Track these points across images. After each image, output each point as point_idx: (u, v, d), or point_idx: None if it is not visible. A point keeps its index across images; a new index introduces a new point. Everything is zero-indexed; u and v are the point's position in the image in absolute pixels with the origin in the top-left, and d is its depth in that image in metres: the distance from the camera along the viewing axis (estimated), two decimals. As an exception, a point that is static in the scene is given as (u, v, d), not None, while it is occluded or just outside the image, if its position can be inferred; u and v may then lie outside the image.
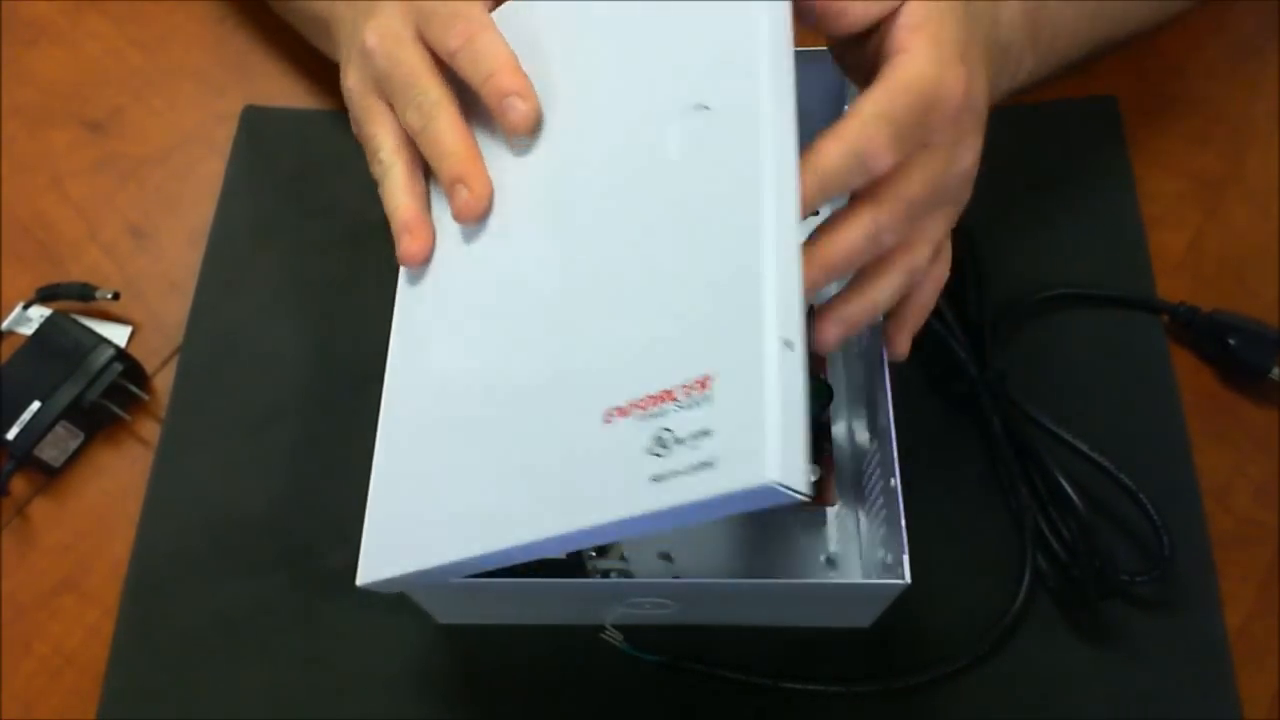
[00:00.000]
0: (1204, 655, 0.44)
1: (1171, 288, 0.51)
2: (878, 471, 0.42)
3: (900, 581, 0.37)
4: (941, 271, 0.39)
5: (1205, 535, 0.46)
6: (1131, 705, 0.43)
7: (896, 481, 0.38)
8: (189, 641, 0.46)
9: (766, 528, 0.46)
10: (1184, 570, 0.45)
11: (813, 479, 0.39)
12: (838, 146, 0.34)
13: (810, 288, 0.34)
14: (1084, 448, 0.44)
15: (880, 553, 0.42)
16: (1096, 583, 0.43)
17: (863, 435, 0.46)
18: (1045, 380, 0.48)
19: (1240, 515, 0.47)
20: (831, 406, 0.46)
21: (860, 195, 0.35)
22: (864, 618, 0.44)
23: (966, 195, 0.38)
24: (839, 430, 0.47)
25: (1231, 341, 0.49)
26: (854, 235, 0.35)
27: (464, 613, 0.45)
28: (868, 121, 0.35)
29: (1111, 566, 0.42)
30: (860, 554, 0.45)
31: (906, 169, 0.35)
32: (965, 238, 0.43)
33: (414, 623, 0.44)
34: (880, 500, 0.42)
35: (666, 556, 0.45)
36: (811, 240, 0.35)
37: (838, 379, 0.48)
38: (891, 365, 0.40)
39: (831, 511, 0.46)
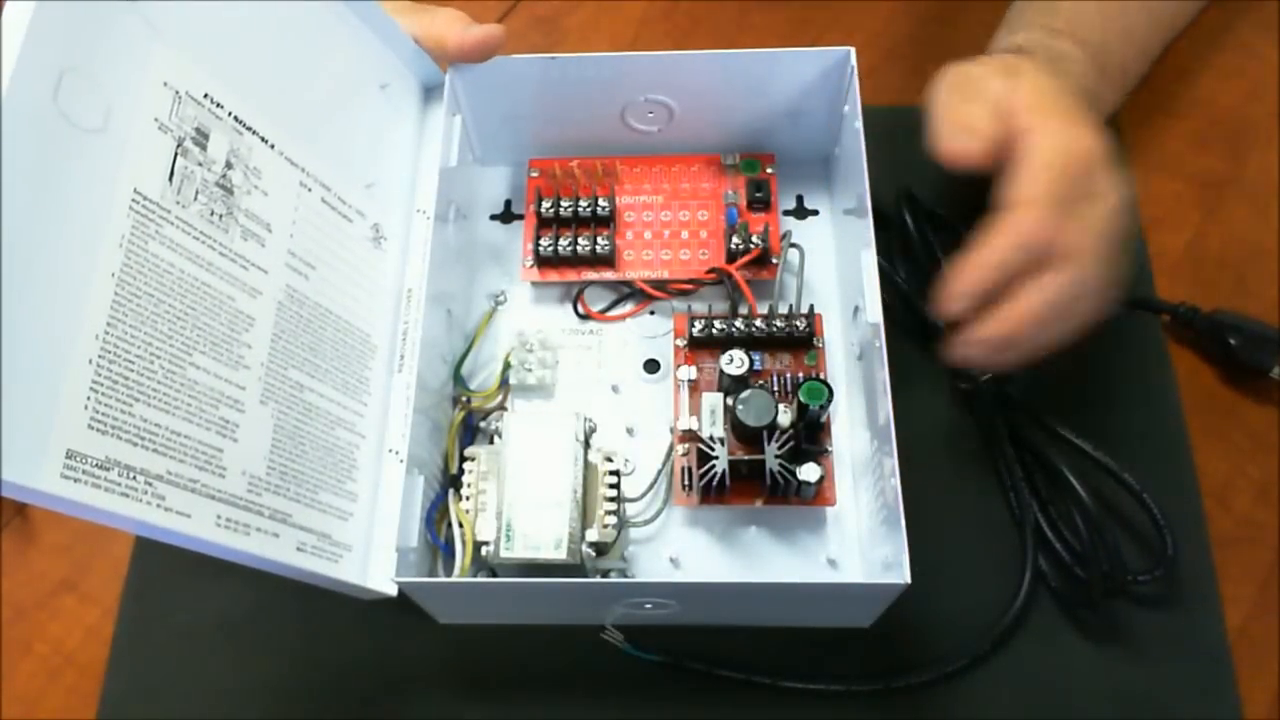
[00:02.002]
0: (1204, 655, 0.44)
1: (1171, 288, 0.51)
2: (878, 471, 0.42)
3: (900, 581, 0.37)
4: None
5: (1205, 535, 0.46)
6: (1131, 705, 0.43)
7: (896, 481, 0.38)
8: (189, 641, 0.46)
9: (767, 528, 0.46)
10: (1184, 570, 0.45)
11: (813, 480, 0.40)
12: (1005, 240, 0.40)
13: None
14: (1087, 447, 0.44)
15: (880, 553, 0.42)
16: (1103, 582, 0.43)
17: (863, 435, 0.46)
18: (1046, 380, 0.48)
19: (1240, 515, 0.47)
20: (831, 406, 0.45)
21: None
22: (864, 618, 0.44)
23: (1126, 223, 0.42)
24: (839, 430, 0.47)
25: (1232, 341, 0.49)
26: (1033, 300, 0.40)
27: (464, 613, 0.45)
28: (1024, 211, 0.40)
29: (1119, 566, 0.42)
30: (860, 554, 0.45)
31: (1065, 225, 0.40)
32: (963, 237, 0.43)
33: (414, 623, 0.44)
34: (880, 500, 0.42)
35: (674, 561, 0.45)
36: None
37: (838, 379, 0.48)
38: (892, 363, 0.40)
39: (831, 511, 0.46)
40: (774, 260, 0.49)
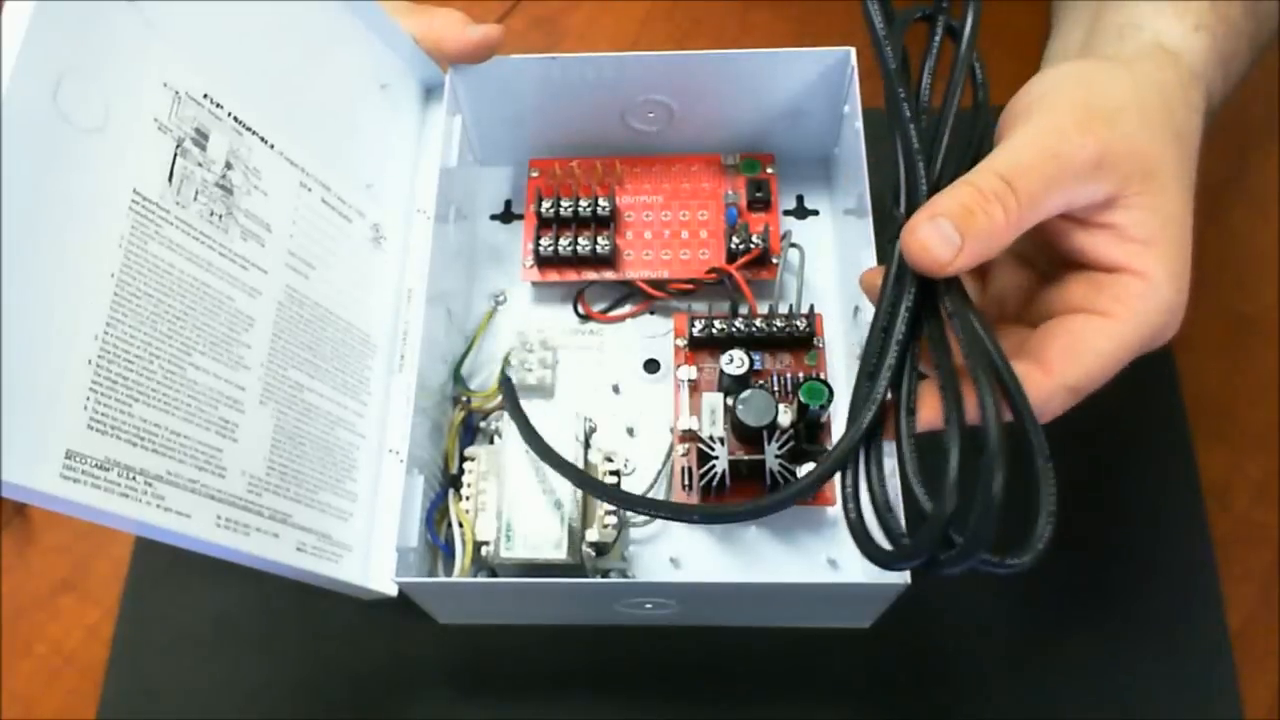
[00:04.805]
0: (1204, 655, 0.44)
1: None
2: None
3: (900, 581, 0.37)
4: None
5: (1205, 535, 0.46)
6: (1132, 705, 0.43)
7: (897, 481, 0.38)
8: (189, 641, 0.46)
9: (767, 528, 0.46)
10: (1184, 570, 0.45)
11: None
12: (1070, 397, 0.34)
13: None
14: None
15: (880, 553, 0.42)
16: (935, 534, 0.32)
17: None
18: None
19: (1240, 515, 0.47)
20: (831, 406, 0.45)
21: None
22: (864, 618, 0.44)
23: None
24: (839, 430, 0.46)
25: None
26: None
27: (464, 613, 0.45)
28: (1106, 363, 0.34)
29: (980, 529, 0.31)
30: (860, 554, 0.45)
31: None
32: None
33: (414, 623, 0.44)
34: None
35: (674, 561, 0.45)
36: None
37: (838, 379, 0.48)
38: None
39: (831, 511, 0.46)
40: (774, 260, 0.49)
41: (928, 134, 0.35)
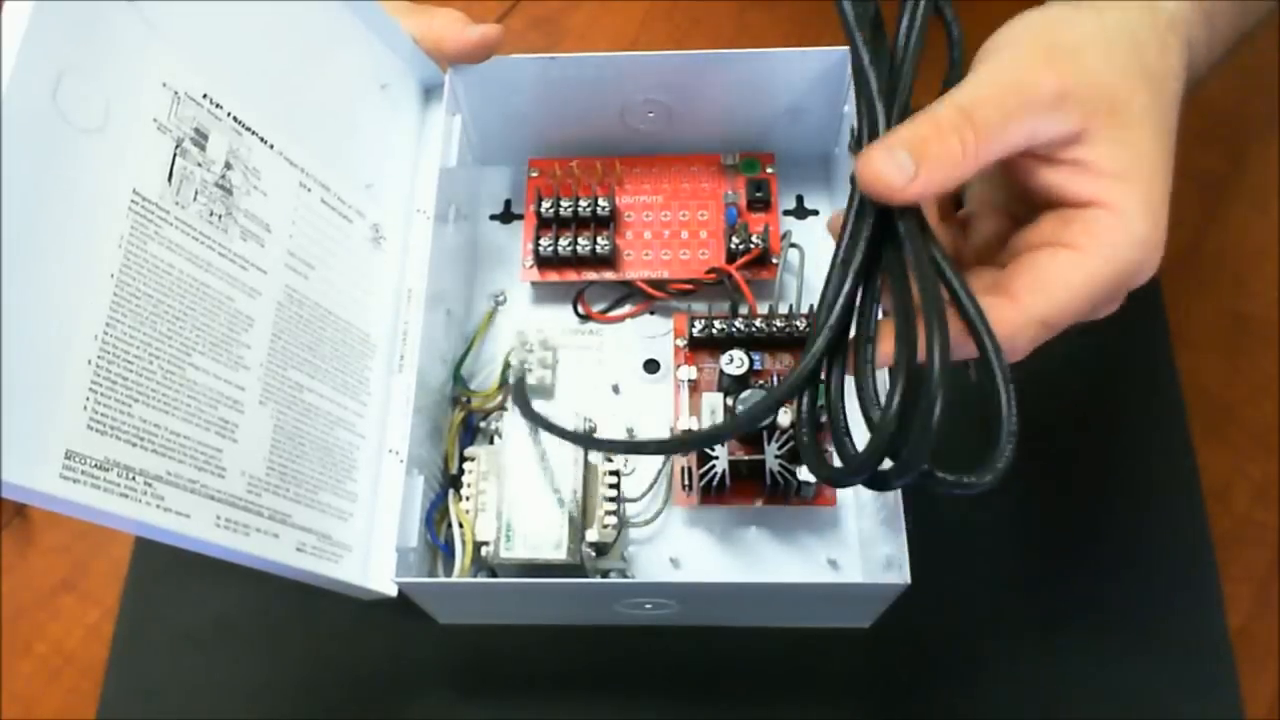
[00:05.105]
0: (1205, 654, 0.44)
1: (1171, 287, 0.51)
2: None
3: (900, 582, 0.37)
4: None
5: (1205, 535, 0.46)
6: (1132, 705, 0.43)
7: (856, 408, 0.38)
8: (189, 641, 0.46)
9: (767, 528, 0.46)
10: (1184, 570, 0.45)
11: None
12: (1041, 331, 0.33)
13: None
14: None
15: (880, 552, 0.42)
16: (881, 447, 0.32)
17: (863, 435, 0.46)
18: (1048, 379, 0.48)
19: (1240, 515, 0.47)
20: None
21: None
22: (864, 618, 0.44)
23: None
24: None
25: None
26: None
27: (464, 613, 0.45)
28: (1076, 295, 0.33)
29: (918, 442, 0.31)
30: (860, 554, 0.45)
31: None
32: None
33: (414, 623, 0.44)
34: (880, 500, 0.41)
35: (674, 561, 0.45)
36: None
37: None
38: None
39: (831, 511, 0.46)
40: (774, 260, 0.49)
41: (890, 78, 0.35)
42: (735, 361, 0.45)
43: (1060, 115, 0.33)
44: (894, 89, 0.35)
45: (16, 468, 0.28)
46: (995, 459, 0.31)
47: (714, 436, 0.41)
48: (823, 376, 0.34)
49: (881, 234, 0.34)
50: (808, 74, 0.48)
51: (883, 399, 0.31)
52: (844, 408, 0.34)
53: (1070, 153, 0.34)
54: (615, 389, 0.49)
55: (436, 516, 0.44)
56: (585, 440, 0.43)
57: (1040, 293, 0.33)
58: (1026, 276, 0.34)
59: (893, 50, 0.35)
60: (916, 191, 0.32)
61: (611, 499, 0.44)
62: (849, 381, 0.33)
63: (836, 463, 0.33)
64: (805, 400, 0.34)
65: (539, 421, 0.42)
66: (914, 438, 0.30)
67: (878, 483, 0.33)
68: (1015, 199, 0.37)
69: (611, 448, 0.44)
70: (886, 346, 0.33)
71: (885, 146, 0.32)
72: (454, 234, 0.49)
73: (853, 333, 0.34)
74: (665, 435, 0.47)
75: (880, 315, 0.34)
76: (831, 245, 0.51)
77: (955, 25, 0.37)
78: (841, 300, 0.33)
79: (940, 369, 0.29)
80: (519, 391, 0.44)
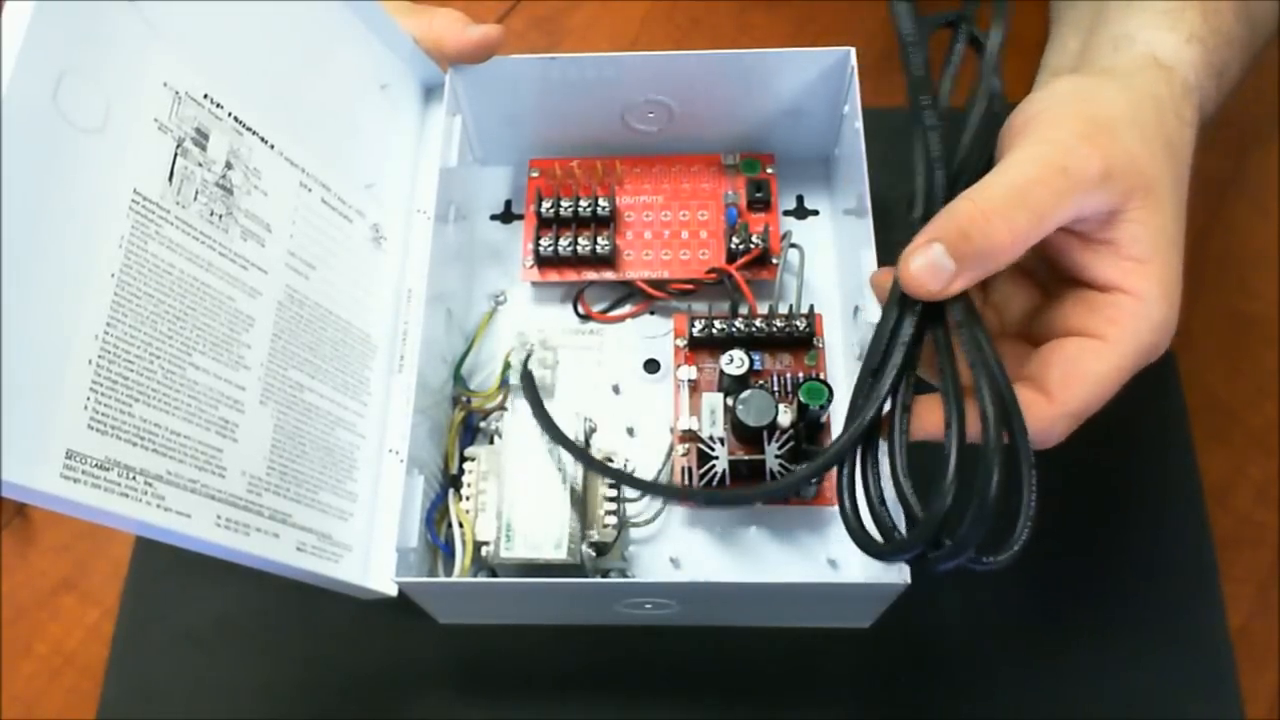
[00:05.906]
0: (1204, 655, 0.44)
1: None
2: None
3: (900, 581, 0.37)
4: None
5: (1206, 535, 0.46)
6: (1132, 705, 0.43)
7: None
8: (189, 641, 0.46)
9: (767, 528, 0.46)
10: (1184, 570, 0.45)
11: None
12: (1071, 423, 0.34)
13: None
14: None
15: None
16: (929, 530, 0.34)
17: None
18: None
19: (1240, 515, 0.47)
20: (831, 406, 0.45)
21: None
22: (864, 618, 0.44)
23: None
24: (839, 430, 0.46)
25: None
26: None
27: (465, 613, 0.45)
28: (1103, 385, 0.34)
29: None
30: (860, 554, 0.45)
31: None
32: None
33: (414, 623, 0.44)
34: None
35: (675, 561, 0.45)
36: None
37: (838, 379, 0.48)
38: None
39: (831, 511, 0.46)
40: (774, 260, 0.49)
41: (946, 142, 0.35)
42: (735, 361, 0.45)
43: (1102, 195, 0.33)
44: (953, 153, 0.35)
45: (17, 467, 0.28)
46: (1013, 541, 0.32)
47: (737, 498, 0.43)
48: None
49: (929, 309, 0.34)
50: (808, 74, 0.48)
51: (937, 483, 0.32)
52: (880, 477, 0.35)
53: (1103, 232, 0.34)
54: (615, 389, 0.49)
55: (436, 516, 0.44)
56: (617, 473, 0.42)
57: (1072, 388, 0.34)
58: (1057, 371, 0.34)
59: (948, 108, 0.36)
60: (959, 288, 0.33)
61: (611, 499, 0.44)
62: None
63: (877, 536, 0.34)
64: (847, 470, 0.35)
65: (548, 426, 0.42)
66: (969, 523, 0.31)
67: (920, 564, 0.33)
68: (1041, 267, 0.38)
69: (634, 485, 0.42)
70: (927, 422, 0.34)
71: (925, 244, 0.33)
72: (454, 234, 0.49)
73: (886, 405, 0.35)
74: (682, 483, 0.46)
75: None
76: (832, 246, 0.51)
77: (999, 81, 0.37)
78: (894, 373, 0.34)
79: (997, 454, 0.31)
80: (530, 389, 0.44)
